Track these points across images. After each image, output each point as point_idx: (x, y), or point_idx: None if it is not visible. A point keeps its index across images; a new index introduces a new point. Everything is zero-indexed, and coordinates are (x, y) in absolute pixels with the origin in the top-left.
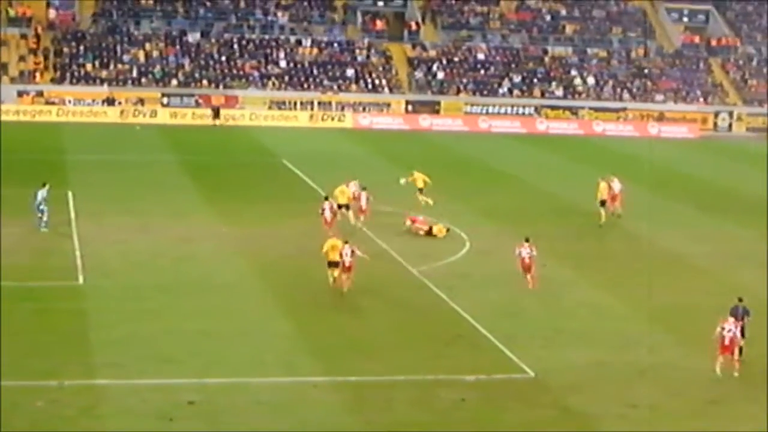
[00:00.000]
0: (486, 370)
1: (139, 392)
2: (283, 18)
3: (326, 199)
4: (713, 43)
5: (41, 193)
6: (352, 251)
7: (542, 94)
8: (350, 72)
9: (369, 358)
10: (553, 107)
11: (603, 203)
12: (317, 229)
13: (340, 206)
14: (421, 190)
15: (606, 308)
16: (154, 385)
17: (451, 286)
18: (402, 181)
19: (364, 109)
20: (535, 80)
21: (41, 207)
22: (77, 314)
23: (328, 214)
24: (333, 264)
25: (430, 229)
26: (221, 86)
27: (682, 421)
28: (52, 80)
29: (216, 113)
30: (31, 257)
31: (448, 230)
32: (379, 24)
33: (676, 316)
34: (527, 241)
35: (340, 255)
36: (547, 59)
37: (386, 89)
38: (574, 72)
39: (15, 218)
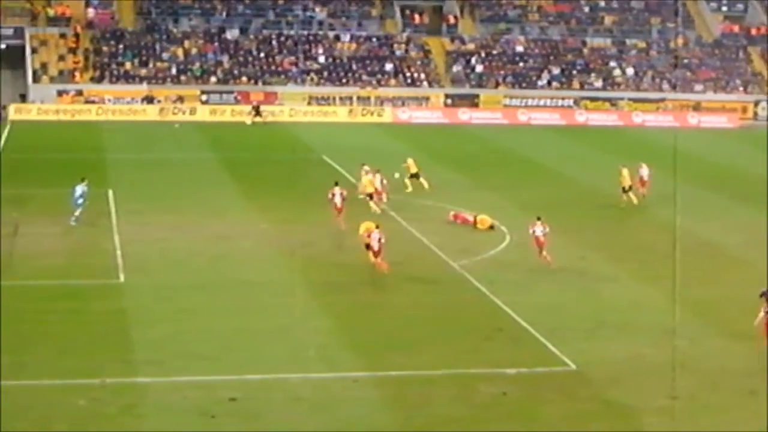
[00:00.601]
0: (527, 364)
1: (180, 390)
2: (321, 13)
3: (336, 184)
4: (752, 32)
5: (80, 189)
6: (380, 237)
7: (581, 86)
8: (389, 66)
9: (409, 353)
10: (592, 99)
11: (624, 190)
12: (356, 225)
13: (370, 195)
14: (415, 175)
15: (645, 300)
16: (194, 383)
17: (492, 279)
18: (396, 175)
19: (403, 104)
20: (574, 72)
21: (79, 201)
22: (118, 313)
23: (338, 200)
24: (369, 247)
25: (475, 219)
26: (260, 83)
27: (721, 413)
28: (92, 79)
29: (257, 111)
30: (72, 256)
31: (491, 227)
32: (418, 18)
33: (714, 307)
34: (539, 219)
35: (371, 239)
36: (585, 51)
37: (425, 83)
38: (613, 63)
39: (56, 217)
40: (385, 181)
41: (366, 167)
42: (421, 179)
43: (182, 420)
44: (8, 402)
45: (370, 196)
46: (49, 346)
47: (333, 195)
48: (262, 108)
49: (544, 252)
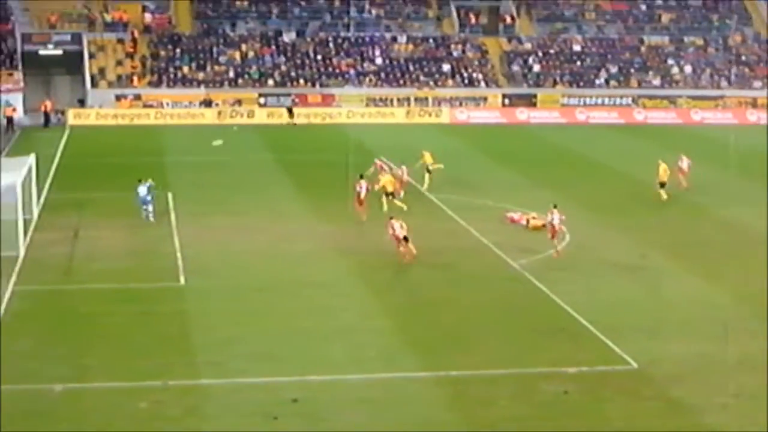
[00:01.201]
0: (588, 362)
1: (243, 391)
2: (378, 15)
3: (361, 177)
4: None
5: (142, 189)
6: (401, 224)
7: (639, 84)
8: (446, 67)
9: (470, 353)
10: (650, 97)
11: (662, 185)
12: (415, 226)
13: (388, 194)
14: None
15: (706, 297)
16: (256, 384)
17: (552, 278)
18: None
19: (460, 104)
20: (632, 70)
21: (147, 198)
22: (179, 315)
23: (364, 193)
24: (396, 237)
25: (527, 222)
26: (317, 85)
27: None
28: (150, 83)
29: (290, 112)
30: (133, 259)
31: (543, 225)
32: (474, 18)
33: None
34: (555, 207)
35: (394, 229)
36: (643, 49)
37: (482, 83)
38: (671, 61)
39: (116, 221)
40: (407, 177)
41: (380, 162)
42: (426, 176)
43: (245, 421)
44: (71, 405)
45: (391, 194)
46: (111, 349)
47: (360, 188)
48: (320, 110)
49: (555, 240)
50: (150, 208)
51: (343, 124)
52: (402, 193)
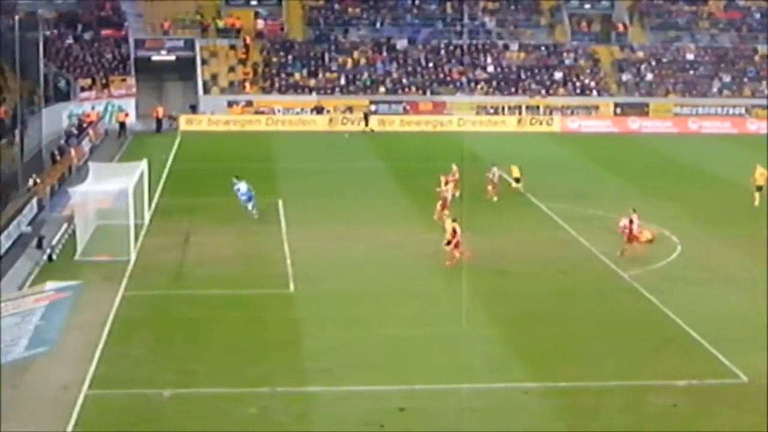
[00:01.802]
0: (698, 375)
1: (350, 399)
2: (490, 22)
3: (446, 183)
4: None
5: (242, 186)
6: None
7: (753, 94)
8: (558, 75)
9: (578, 364)
10: (763, 107)
11: (759, 188)
12: (525, 236)
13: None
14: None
15: None
16: (364, 392)
17: (662, 290)
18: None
19: (572, 113)
20: (745, 79)
21: (249, 195)
22: (288, 322)
23: (449, 196)
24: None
25: (639, 234)
26: (428, 92)
27: None
28: (261, 90)
29: (366, 120)
30: (243, 265)
31: (650, 241)
32: (586, 26)
33: None
34: (634, 211)
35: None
36: (757, 58)
37: (594, 92)
38: None
39: (226, 227)
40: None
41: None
42: (517, 185)
43: (351, 429)
44: (180, 409)
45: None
46: (219, 355)
47: (446, 191)
48: (431, 117)
49: (629, 245)
50: (251, 204)
51: (454, 132)
52: (495, 198)
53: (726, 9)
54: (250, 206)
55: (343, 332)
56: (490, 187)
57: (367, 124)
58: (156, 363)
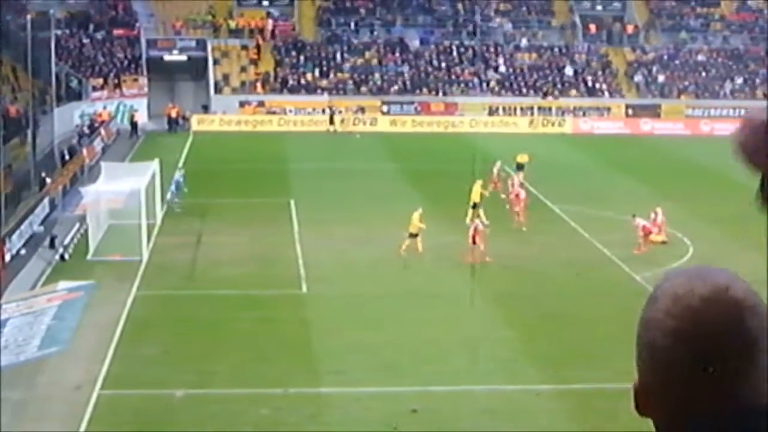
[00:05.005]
0: None
1: (363, 400)
2: (501, 23)
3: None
4: None
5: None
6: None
7: (765, 96)
8: (569, 76)
9: (593, 366)
10: None
11: None
12: (538, 238)
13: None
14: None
15: None
16: (377, 393)
17: None
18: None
19: (584, 114)
20: (758, 81)
21: (175, 183)
22: (301, 323)
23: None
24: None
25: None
26: (440, 93)
27: None
28: (273, 90)
29: (330, 119)
30: (255, 266)
31: (663, 242)
32: (598, 28)
33: None
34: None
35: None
36: None
37: (606, 93)
38: None
39: (238, 227)
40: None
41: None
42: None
43: (364, 431)
44: (193, 410)
45: (415, 236)
46: (232, 355)
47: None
48: (442, 119)
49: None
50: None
51: (466, 133)
52: (503, 195)
53: (738, 11)
54: (170, 195)
55: (357, 333)
56: (492, 185)
57: (331, 123)
58: (168, 363)
